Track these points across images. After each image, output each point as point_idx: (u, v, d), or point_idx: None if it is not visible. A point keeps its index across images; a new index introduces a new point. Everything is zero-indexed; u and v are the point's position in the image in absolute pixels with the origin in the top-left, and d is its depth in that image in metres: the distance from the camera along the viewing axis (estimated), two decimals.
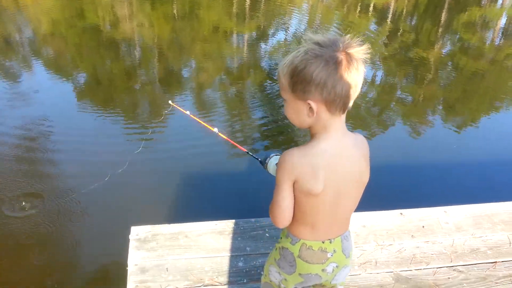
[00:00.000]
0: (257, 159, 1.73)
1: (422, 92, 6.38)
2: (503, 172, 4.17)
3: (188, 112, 2.28)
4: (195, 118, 2.24)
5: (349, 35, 1.13)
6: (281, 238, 1.42)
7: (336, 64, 1.09)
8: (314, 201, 1.24)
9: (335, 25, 9.78)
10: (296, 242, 1.34)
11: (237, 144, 2.02)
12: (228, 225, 2.47)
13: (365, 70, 1.15)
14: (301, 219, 1.28)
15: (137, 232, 2.35)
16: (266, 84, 6.20)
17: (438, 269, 2.28)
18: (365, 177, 1.29)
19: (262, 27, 9.44)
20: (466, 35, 9.74)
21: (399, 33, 9.48)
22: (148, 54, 7.36)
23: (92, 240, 3.07)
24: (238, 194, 3.55)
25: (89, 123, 4.69)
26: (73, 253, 2.97)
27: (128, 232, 2.35)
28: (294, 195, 1.24)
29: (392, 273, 2.25)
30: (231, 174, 3.95)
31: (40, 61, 6.72)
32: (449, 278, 2.24)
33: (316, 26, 9.74)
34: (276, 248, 1.43)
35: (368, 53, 1.13)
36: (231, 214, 2.58)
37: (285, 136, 4.72)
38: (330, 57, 1.09)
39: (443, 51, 8.72)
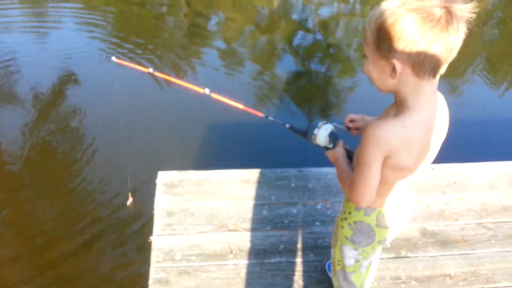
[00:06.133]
0: (287, 126, 1.46)
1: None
2: None
3: (151, 70, 1.80)
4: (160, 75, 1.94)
5: None
6: (348, 213, 1.35)
7: (434, 21, 0.94)
8: (401, 174, 1.17)
9: None
10: (372, 213, 1.29)
11: (251, 110, 1.58)
12: (253, 173, 2.47)
13: (466, 31, 0.99)
14: (379, 191, 1.19)
15: (164, 177, 2.39)
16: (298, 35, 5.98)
17: (467, 225, 2.24)
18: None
19: None
20: None
21: None
22: (176, 3, 7.18)
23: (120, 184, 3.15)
24: (264, 147, 3.52)
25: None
26: (100, 196, 3.08)
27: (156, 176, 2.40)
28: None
29: (419, 227, 2.21)
30: (254, 128, 3.89)
31: None
32: (476, 234, 2.20)
33: None
34: (343, 226, 1.37)
35: (474, 12, 0.95)
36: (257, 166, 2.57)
37: (316, 101, 4.52)
38: (428, 13, 0.95)
39: None
